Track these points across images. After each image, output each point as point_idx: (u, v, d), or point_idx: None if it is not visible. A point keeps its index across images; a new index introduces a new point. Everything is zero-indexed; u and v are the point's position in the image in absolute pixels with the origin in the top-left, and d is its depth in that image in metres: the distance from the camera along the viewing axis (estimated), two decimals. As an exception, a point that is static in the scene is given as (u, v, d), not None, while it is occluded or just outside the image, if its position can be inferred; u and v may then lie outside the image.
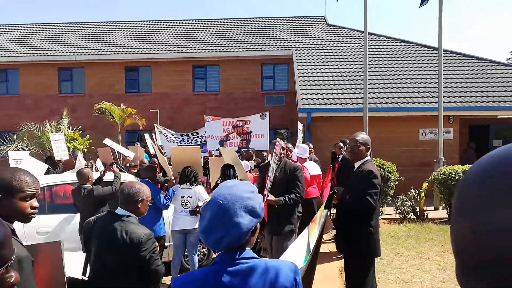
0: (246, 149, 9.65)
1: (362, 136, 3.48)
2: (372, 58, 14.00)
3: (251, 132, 10.38)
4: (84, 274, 2.71)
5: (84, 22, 21.63)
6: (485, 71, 12.91)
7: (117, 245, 2.40)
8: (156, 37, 18.70)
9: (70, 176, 5.86)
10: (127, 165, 8.35)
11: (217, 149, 9.74)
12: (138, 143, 11.22)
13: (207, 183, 7.59)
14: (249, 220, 1.29)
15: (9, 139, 13.33)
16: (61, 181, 5.85)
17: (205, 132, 10.73)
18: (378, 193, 3.30)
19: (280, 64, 16.11)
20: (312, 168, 6.29)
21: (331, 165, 7.35)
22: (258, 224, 1.35)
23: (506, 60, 36.33)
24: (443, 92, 9.82)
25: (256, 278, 1.30)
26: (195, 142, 11.35)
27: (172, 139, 11.39)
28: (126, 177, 5.95)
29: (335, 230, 3.83)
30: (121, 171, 6.39)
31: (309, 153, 6.81)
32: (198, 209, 5.04)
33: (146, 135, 11.46)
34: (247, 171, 6.61)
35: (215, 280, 1.30)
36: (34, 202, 1.67)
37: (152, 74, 16.40)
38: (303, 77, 13.26)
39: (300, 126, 8.74)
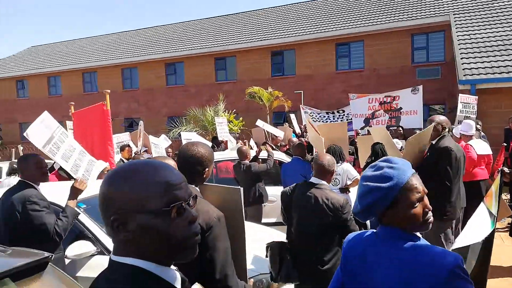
0: (395, 127, 9.08)
1: None
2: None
3: (400, 108, 9.70)
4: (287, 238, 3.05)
5: (232, 14, 23.44)
6: None
7: (320, 209, 2.72)
8: (299, 19, 18.96)
9: (231, 153, 6.58)
10: (278, 144, 8.85)
11: (362, 128, 9.45)
12: (286, 124, 11.73)
13: (354, 162, 7.48)
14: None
15: (179, 122, 15.67)
16: (224, 158, 6.62)
17: (350, 110, 10.51)
18: None
19: (435, 32, 14.42)
20: (479, 147, 5.52)
21: (505, 144, 6.30)
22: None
23: None
24: None
25: (423, 256, 1.24)
26: (341, 121, 11.23)
27: (318, 118, 11.53)
28: (279, 155, 6.35)
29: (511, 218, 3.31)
30: (273, 149, 6.84)
31: (476, 131, 5.98)
32: (347, 187, 5.03)
33: (292, 115, 11.89)
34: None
35: (378, 249, 1.33)
36: None
37: (296, 57, 16.78)
38: (465, 44, 11.57)
39: (469, 98, 7.64)
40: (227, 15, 23.52)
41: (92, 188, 3.16)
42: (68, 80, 21.54)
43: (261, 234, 4.03)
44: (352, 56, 15.98)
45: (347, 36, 15.72)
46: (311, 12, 19.47)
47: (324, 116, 11.60)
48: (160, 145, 7.58)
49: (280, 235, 4.11)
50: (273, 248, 2.82)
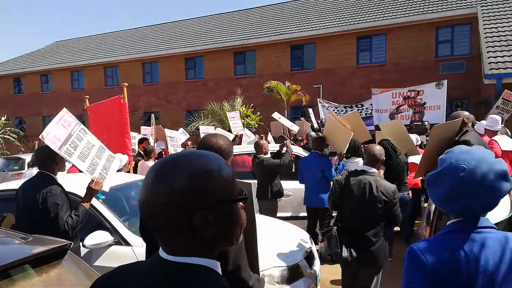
0: (419, 123, 8.88)
1: None
2: None
3: (424, 103, 9.46)
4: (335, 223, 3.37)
5: (252, 8, 23.33)
6: None
7: (375, 195, 3.04)
8: (319, 12, 18.71)
9: (248, 147, 6.57)
10: (292, 138, 8.78)
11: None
12: (303, 118, 11.64)
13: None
14: (504, 184, 1.22)
15: (197, 116, 15.77)
16: (240, 152, 6.61)
17: (371, 104, 10.31)
18: None
19: (460, 25, 13.97)
20: (504, 143, 5.33)
21: (532, 140, 6.04)
22: None
23: None
24: None
25: (505, 247, 1.19)
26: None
27: (336, 112, 11.38)
28: (296, 150, 6.29)
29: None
30: (292, 144, 6.77)
31: (502, 126, 5.77)
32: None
33: (310, 110, 11.77)
34: (417, 145, 6.09)
35: (461, 249, 1.21)
36: None
37: (316, 50, 16.58)
38: (492, 37, 11.16)
39: (506, 94, 7.45)
40: (247, 9, 23.46)
41: (112, 180, 3.20)
42: (90, 75, 21.98)
43: (276, 228, 4.01)
44: (374, 50, 15.67)
45: (368, 29, 15.42)
46: (332, 5, 19.18)
47: (342, 111, 11.43)
48: (176, 138, 7.64)
49: (295, 229, 4.08)
50: (331, 233, 3.14)
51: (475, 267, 1.17)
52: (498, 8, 12.85)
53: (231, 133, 8.96)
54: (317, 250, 3.37)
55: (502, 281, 1.16)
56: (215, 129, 8.84)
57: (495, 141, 5.23)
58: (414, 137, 6.28)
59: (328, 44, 16.15)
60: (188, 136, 8.98)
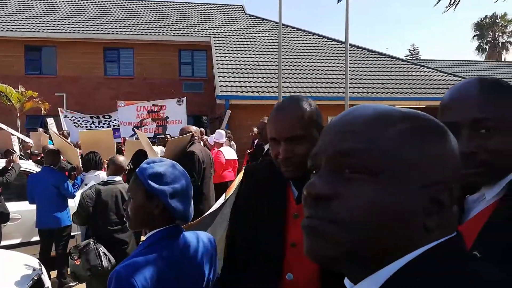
0: (163, 135, 9.45)
1: None
2: (287, 49, 14.56)
3: (167, 118, 10.16)
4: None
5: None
6: (386, 65, 14.29)
7: (125, 200, 2.99)
8: (62, 14, 17.10)
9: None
10: (29, 151, 7.61)
11: (131, 136, 9.38)
12: (41, 129, 10.25)
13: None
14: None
15: None
16: None
17: (118, 116, 10.22)
18: None
19: (199, 50, 15.92)
20: (228, 153, 6.43)
21: (248, 151, 7.54)
22: None
23: (405, 56, 40.65)
24: (349, 83, 10.63)
25: (198, 244, 1.38)
26: (107, 126, 10.74)
27: (80, 123, 10.65)
28: (26, 166, 5.45)
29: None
30: (21, 158, 5.82)
31: (226, 139, 6.92)
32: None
33: (50, 120, 10.53)
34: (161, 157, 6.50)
35: (171, 256, 1.28)
36: None
37: (57, 55, 15.01)
38: (222, 64, 13.29)
39: (227, 113, 8.86)
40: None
41: None
42: None
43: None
44: (122, 63, 15.65)
45: (116, 41, 15.29)
46: (77, 10, 17.94)
47: (88, 121, 10.84)
48: None
49: (22, 257, 3.52)
50: (89, 247, 3.16)
51: (188, 265, 1.32)
52: (227, 40, 15.46)
53: None
54: (71, 270, 3.19)
55: (205, 269, 1.38)
56: None
57: (221, 151, 6.24)
58: (159, 149, 6.66)
59: (72, 51, 14.95)
60: None
